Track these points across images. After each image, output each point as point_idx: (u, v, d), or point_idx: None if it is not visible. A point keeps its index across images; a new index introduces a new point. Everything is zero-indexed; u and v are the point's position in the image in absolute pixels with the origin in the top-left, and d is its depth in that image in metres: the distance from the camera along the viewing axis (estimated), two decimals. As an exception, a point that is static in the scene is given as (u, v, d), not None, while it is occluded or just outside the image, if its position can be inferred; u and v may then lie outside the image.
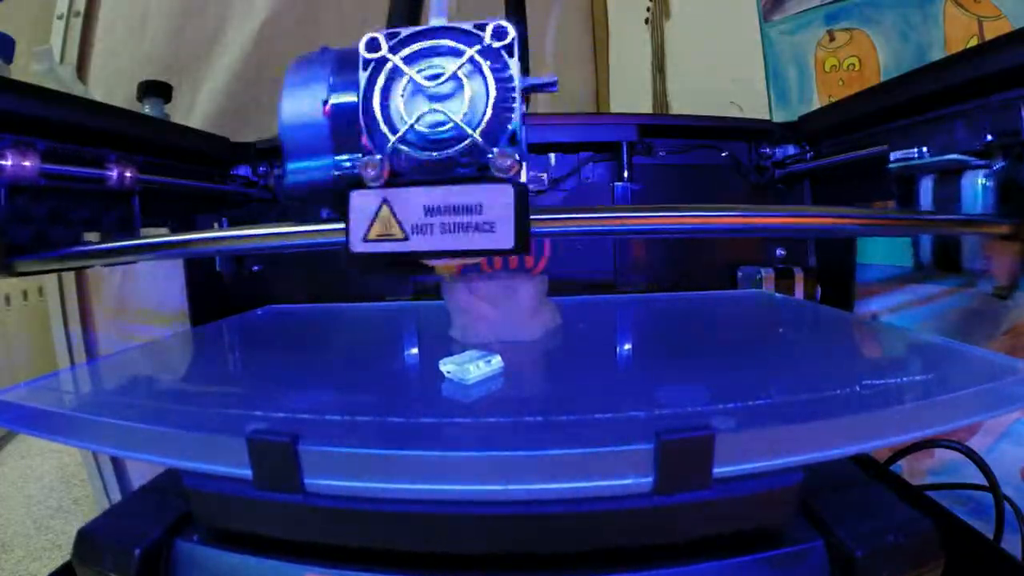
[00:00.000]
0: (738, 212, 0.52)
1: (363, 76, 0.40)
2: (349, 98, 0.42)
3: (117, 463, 1.18)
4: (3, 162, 0.56)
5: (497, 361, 0.49)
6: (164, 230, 0.84)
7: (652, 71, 1.42)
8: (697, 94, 1.38)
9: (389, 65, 0.39)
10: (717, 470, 0.34)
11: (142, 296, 1.17)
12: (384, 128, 0.39)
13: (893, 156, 0.71)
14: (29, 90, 0.62)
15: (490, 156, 0.39)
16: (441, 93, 0.39)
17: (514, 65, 0.39)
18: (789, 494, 0.36)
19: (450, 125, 0.39)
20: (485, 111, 0.38)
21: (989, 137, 0.59)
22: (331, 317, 0.83)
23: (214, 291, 0.99)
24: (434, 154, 0.39)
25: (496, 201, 0.39)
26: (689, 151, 1.01)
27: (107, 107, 0.74)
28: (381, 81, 0.39)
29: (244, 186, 0.99)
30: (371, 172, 0.39)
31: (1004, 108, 0.58)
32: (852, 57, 1.14)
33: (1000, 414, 0.41)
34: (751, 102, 1.28)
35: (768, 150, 1.00)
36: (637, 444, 0.34)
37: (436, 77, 0.39)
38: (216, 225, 0.96)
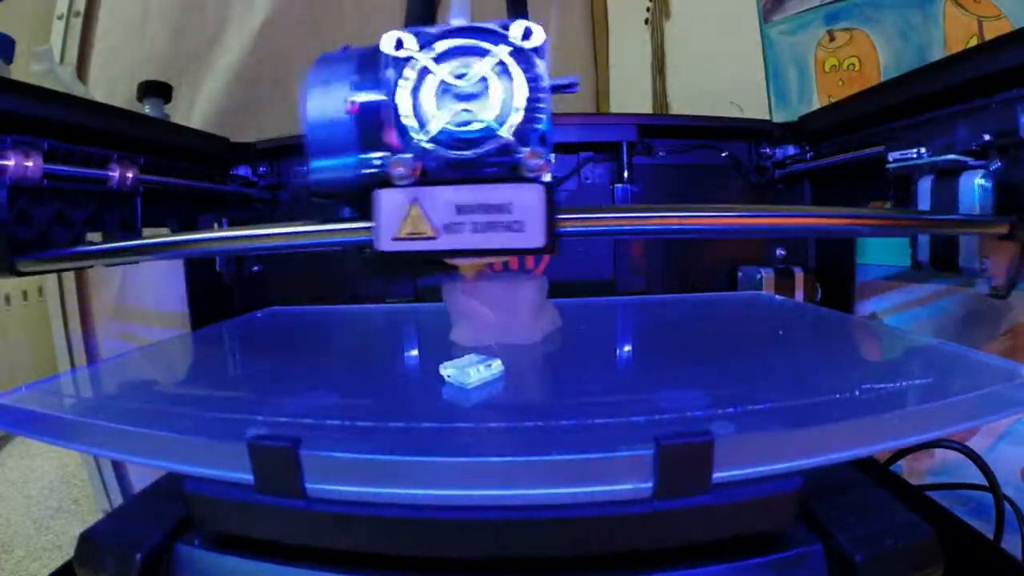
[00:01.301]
0: (739, 212, 0.52)
1: (390, 75, 0.40)
2: (375, 96, 0.42)
3: (117, 464, 1.18)
4: (6, 162, 0.56)
5: (497, 365, 0.49)
6: (164, 230, 0.84)
7: (652, 71, 1.42)
8: (697, 94, 1.38)
9: (419, 64, 0.40)
10: (717, 475, 0.34)
11: (142, 296, 1.17)
12: (413, 127, 0.40)
13: (891, 156, 0.71)
14: (30, 90, 0.62)
15: (520, 156, 0.39)
16: (469, 92, 0.39)
17: (542, 66, 0.40)
18: (788, 498, 0.36)
19: (480, 125, 0.39)
20: (515, 111, 0.39)
21: (986, 137, 0.59)
22: (332, 319, 0.83)
23: (214, 291, 0.99)
24: (467, 153, 0.40)
25: (526, 200, 0.40)
26: (689, 151, 1.01)
27: (108, 107, 0.74)
28: (411, 80, 0.40)
29: (244, 186, 0.99)
30: (400, 171, 0.40)
31: (1001, 108, 0.58)
32: (852, 57, 1.14)
33: (999, 419, 0.41)
34: (751, 102, 1.28)
35: (768, 150, 1.00)
36: (637, 449, 0.34)
37: (462, 76, 0.39)
38: (216, 225, 0.96)
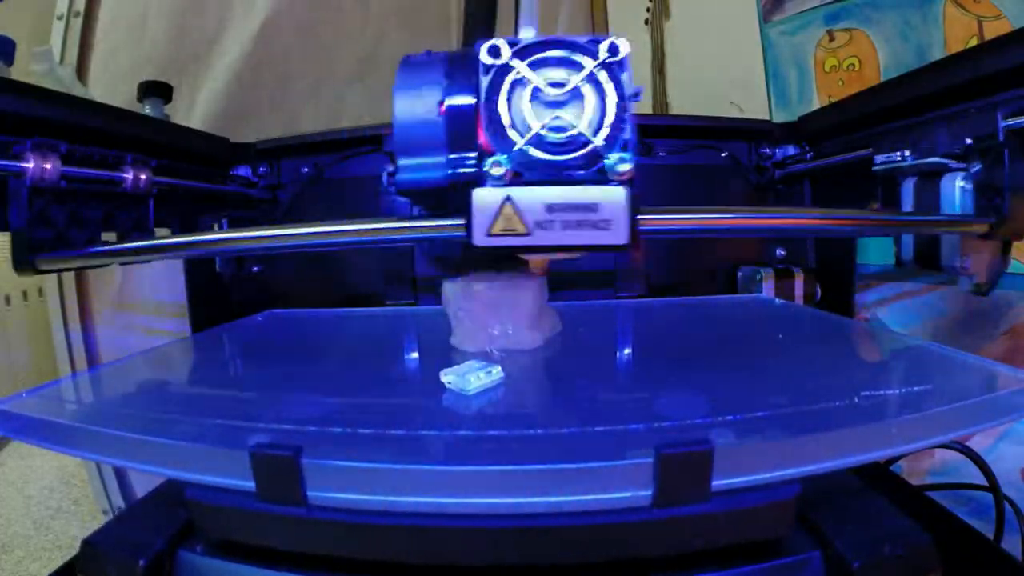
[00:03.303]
0: (743, 213, 0.56)
1: (484, 80, 0.43)
2: (465, 100, 0.45)
3: (117, 465, 1.18)
4: (26, 164, 0.58)
5: (497, 371, 0.49)
6: (165, 231, 0.84)
7: (652, 71, 1.42)
8: (697, 95, 1.38)
9: (514, 72, 0.42)
10: (716, 483, 0.34)
11: (142, 297, 1.17)
12: (510, 131, 0.43)
13: (877, 159, 0.73)
14: (46, 94, 0.63)
15: (608, 161, 0.42)
16: (559, 100, 0.42)
17: (627, 79, 0.43)
18: (787, 506, 0.36)
19: (574, 131, 0.42)
20: (604, 120, 0.42)
21: (968, 140, 0.61)
22: (332, 323, 0.84)
23: (214, 292, 0.99)
24: (561, 157, 0.43)
25: (612, 202, 0.42)
26: (689, 151, 1.01)
27: (116, 109, 0.75)
28: (507, 86, 0.42)
29: (244, 186, 0.99)
30: (497, 172, 0.42)
31: (981, 112, 0.60)
32: (852, 57, 1.14)
33: (998, 424, 0.41)
34: (751, 102, 1.28)
35: (768, 150, 1.00)
36: (636, 458, 0.34)
37: (558, 85, 0.42)
38: (216, 226, 0.96)
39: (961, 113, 0.62)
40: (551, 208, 0.43)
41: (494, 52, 0.42)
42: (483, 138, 0.43)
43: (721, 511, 0.35)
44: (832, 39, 1.17)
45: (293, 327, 0.83)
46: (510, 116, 0.43)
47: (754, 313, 0.87)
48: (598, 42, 0.42)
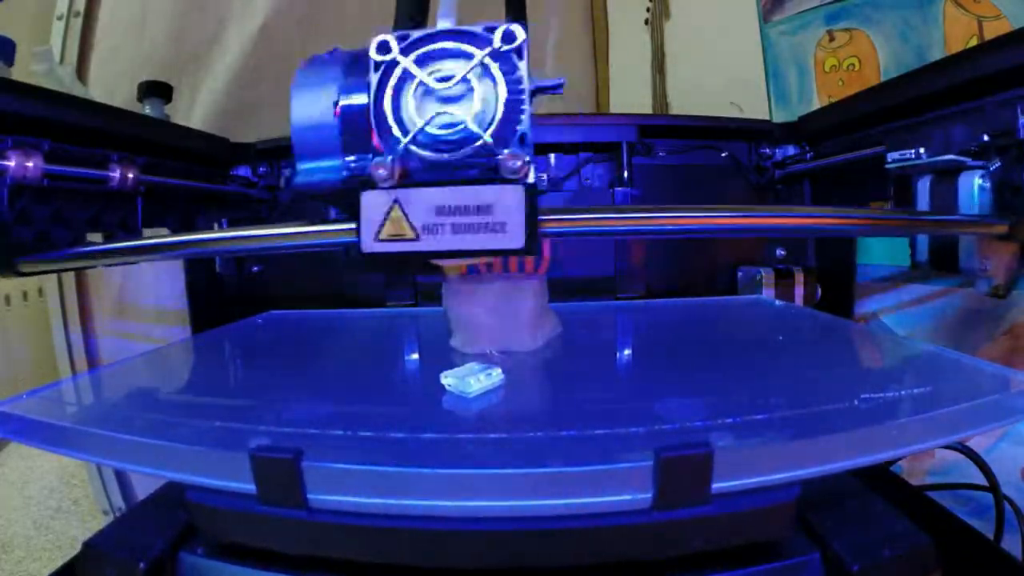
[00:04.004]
0: (738, 212, 0.52)
1: (373, 78, 0.41)
2: (360, 99, 0.42)
3: (118, 464, 1.18)
4: (7, 163, 0.57)
5: (498, 374, 0.49)
6: (164, 231, 0.84)
7: (652, 71, 1.42)
8: (697, 94, 1.38)
9: (400, 68, 0.40)
10: (716, 486, 0.34)
11: (142, 297, 1.17)
12: (395, 130, 0.40)
13: (890, 156, 0.71)
14: (30, 91, 0.62)
15: (500, 157, 0.40)
16: (451, 95, 0.40)
17: (523, 68, 0.40)
18: (787, 508, 0.36)
19: (461, 127, 0.40)
20: (495, 113, 0.40)
21: (985, 137, 0.59)
22: (331, 325, 0.83)
23: (214, 292, 0.99)
24: (446, 155, 0.40)
25: (506, 202, 0.40)
26: (689, 151, 1.01)
27: (108, 107, 0.75)
28: (392, 83, 0.40)
29: (244, 186, 1.00)
30: (382, 173, 0.40)
31: (1000, 108, 0.58)
32: (852, 57, 1.14)
33: (997, 427, 0.41)
34: (751, 102, 1.28)
35: (768, 150, 1.01)
36: (636, 461, 0.34)
37: (446, 79, 0.40)
38: (216, 226, 0.96)
39: (978, 109, 0.61)
40: (441, 210, 0.41)
41: (383, 48, 0.40)
42: (375, 138, 0.41)
43: (721, 514, 0.35)
44: (832, 39, 1.17)
45: (293, 328, 0.83)
46: (395, 114, 0.41)
47: (754, 314, 0.87)
48: (493, 29, 0.40)
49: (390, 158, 0.40)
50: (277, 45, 1.22)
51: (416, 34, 0.40)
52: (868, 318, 1.06)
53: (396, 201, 0.41)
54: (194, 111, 1.19)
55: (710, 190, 1.03)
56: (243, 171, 1.01)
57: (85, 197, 0.68)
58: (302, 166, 0.45)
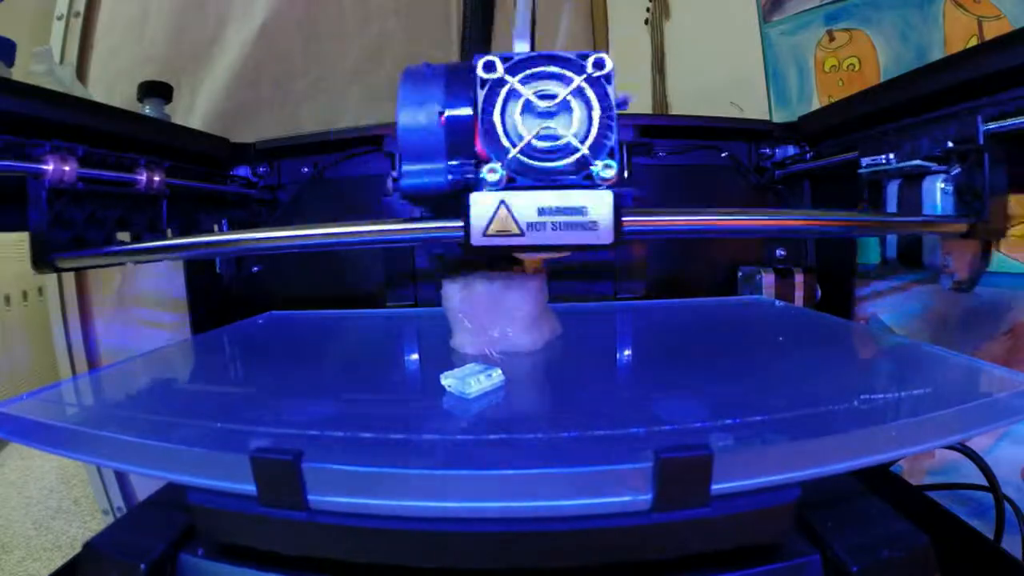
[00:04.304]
0: (759, 215, 0.57)
1: (480, 93, 0.45)
2: (464, 111, 0.48)
3: (118, 464, 1.18)
4: (45, 167, 0.60)
5: (497, 375, 0.49)
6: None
7: (652, 71, 1.42)
8: (697, 94, 1.38)
9: (508, 86, 0.45)
10: (715, 487, 0.34)
11: (142, 296, 1.17)
12: (504, 140, 0.45)
13: (864, 161, 0.76)
14: (47, 94, 0.64)
15: (593, 168, 0.45)
16: (549, 111, 0.45)
17: (612, 92, 0.45)
18: (786, 510, 0.36)
19: (563, 140, 0.45)
20: (590, 130, 0.45)
21: (948, 144, 0.63)
22: (331, 325, 0.84)
23: (214, 292, 0.99)
24: (550, 164, 0.46)
25: (598, 205, 0.45)
26: (689, 151, 1.01)
27: (120, 111, 0.76)
28: (501, 98, 0.45)
29: (244, 187, 1.00)
30: (492, 177, 0.45)
31: (961, 117, 0.62)
32: (852, 57, 1.14)
33: (997, 427, 0.41)
34: (751, 102, 1.28)
35: (768, 150, 1.00)
36: (636, 463, 0.34)
37: (548, 97, 0.45)
38: (216, 227, 0.96)
39: (944, 117, 0.64)
40: (542, 211, 0.46)
41: (489, 67, 0.45)
42: (479, 146, 0.46)
43: (720, 515, 0.35)
44: (832, 39, 1.16)
45: (293, 329, 0.83)
46: (503, 126, 0.45)
47: (754, 315, 0.87)
48: (586, 57, 0.45)
49: (500, 164, 0.45)
50: (277, 45, 1.22)
51: (519, 56, 0.45)
52: (868, 316, 1.06)
53: (503, 202, 0.46)
54: (194, 111, 1.19)
55: (710, 190, 1.03)
56: (243, 171, 1.01)
57: (115, 199, 0.70)
58: (409, 167, 0.50)
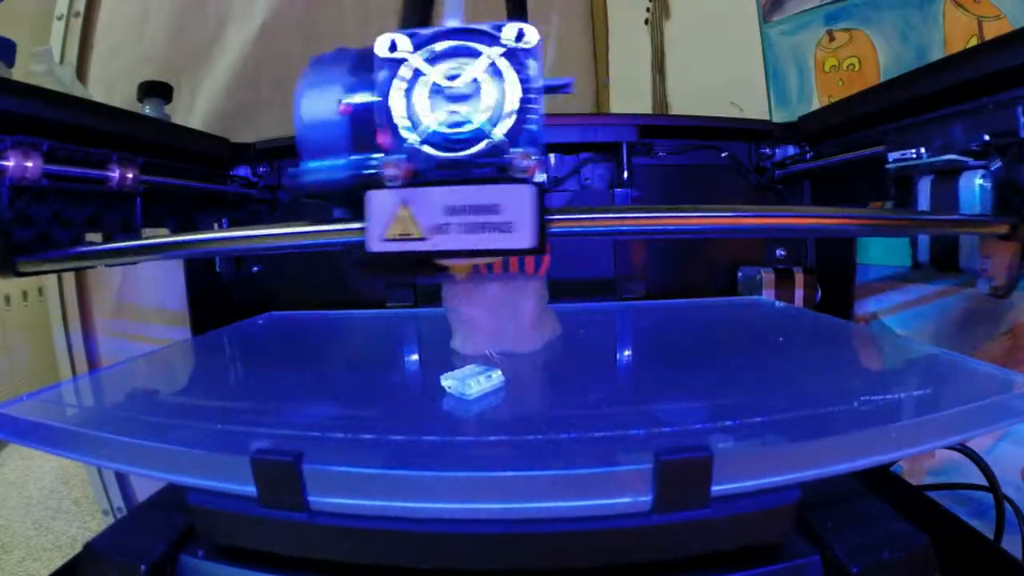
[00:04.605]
0: (741, 213, 0.52)
1: (381, 75, 0.40)
2: (367, 98, 0.42)
3: (118, 464, 1.18)
4: (6, 163, 0.57)
5: (498, 376, 0.49)
6: (164, 231, 0.84)
7: (652, 71, 1.42)
8: (697, 94, 1.38)
9: (412, 66, 0.40)
10: (715, 488, 0.34)
11: (142, 297, 1.17)
12: (403, 128, 0.40)
13: (891, 156, 0.71)
14: (29, 91, 0.62)
15: (510, 157, 0.39)
16: (460, 94, 0.40)
17: (534, 67, 0.40)
18: (786, 511, 0.36)
19: (471, 126, 0.39)
20: (506, 113, 0.40)
21: (986, 137, 0.59)
22: (332, 326, 0.84)
23: (214, 292, 0.99)
24: (457, 154, 0.40)
25: (515, 201, 0.40)
26: (689, 151, 1.01)
27: (108, 108, 0.75)
28: (404, 81, 0.40)
29: (244, 187, 1.00)
30: (391, 172, 0.40)
31: (1000, 108, 0.58)
32: (852, 57, 1.14)
33: (996, 429, 0.41)
34: (751, 102, 1.28)
35: (768, 150, 1.01)
36: (636, 464, 0.34)
37: (455, 77, 0.40)
38: (216, 226, 0.96)
39: (979, 109, 0.61)
40: (450, 210, 0.40)
41: (391, 46, 0.40)
42: (381, 137, 0.41)
43: (721, 516, 0.35)
44: (832, 39, 1.16)
45: (293, 330, 0.83)
46: (406, 112, 0.40)
47: (754, 316, 0.87)
48: (501, 28, 0.40)
49: (399, 157, 0.40)
50: (277, 45, 1.22)
51: (426, 32, 0.40)
52: (868, 318, 1.06)
53: (404, 200, 0.41)
54: (194, 111, 1.19)
55: (710, 190, 1.03)
56: (243, 171, 1.01)
57: (84, 197, 0.68)
58: (308, 165, 0.44)
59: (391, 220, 0.41)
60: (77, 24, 1.14)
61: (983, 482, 0.70)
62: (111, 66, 1.16)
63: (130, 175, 0.71)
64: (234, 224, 0.98)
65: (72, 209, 0.65)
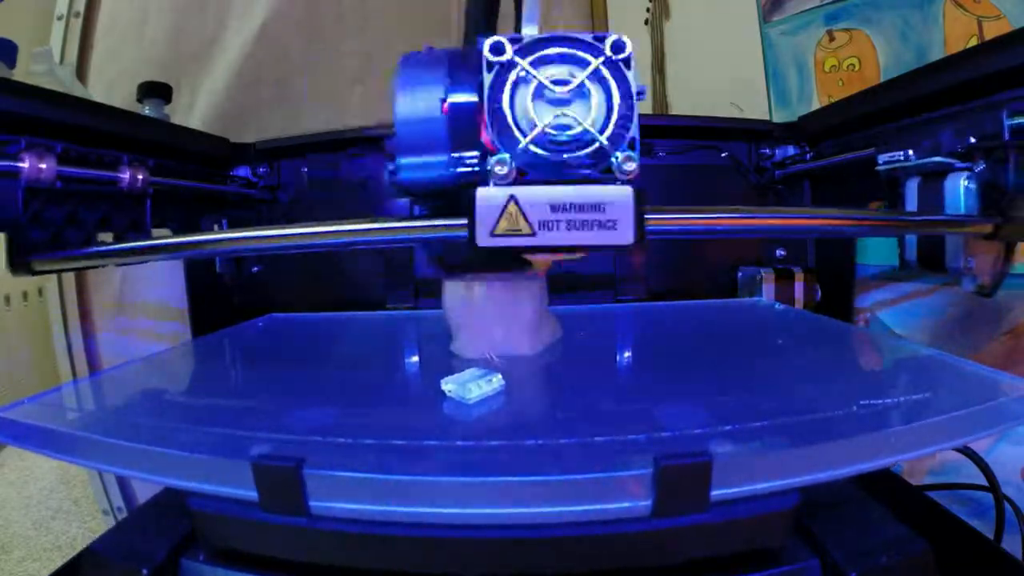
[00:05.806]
0: (763, 214, 0.54)
1: (487, 77, 0.42)
2: (468, 98, 0.44)
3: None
4: (21, 165, 0.57)
5: (498, 380, 0.49)
6: (166, 231, 0.84)
7: (652, 71, 1.41)
8: (697, 94, 1.38)
9: (517, 69, 0.41)
10: (715, 493, 0.35)
11: (142, 298, 1.17)
12: (515, 129, 0.42)
13: (881, 159, 0.72)
14: (36, 92, 0.63)
15: (614, 160, 0.42)
16: (563, 98, 0.41)
17: (632, 77, 0.42)
18: (786, 516, 0.36)
19: (579, 129, 0.41)
20: (610, 118, 0.42)
21: (972, 139, 0.60)
22: (332, 328, 0.84)
23: (214, 292, 0.99)
24: (565, 155, 0.42)
25: (618, 201, 0.42)
26: (689, 151, 1.01)
27: (113, 109, 0.75)
28: (510, 83, 0.42)
29: (244, 187, 1.00)
30: (501, 170, 0.41)
31: (986, 111, 0.59)
32: (852, 57, 1.14)
33: (996, 432, 0.42)
34: (751, 102, 1.27)
35: (768, 150, 1.01)
36: (636, 469, 0.34)
37: (562, 83, 0.41)
38: (216, 226, 0.96)
39: (965, 112, 0.62)
40: (556, 207, 0.42)
41: (497, 49, 0.41)
42: (486, 136, 0.42)
43: (720, 521, 0.35)
44: (832, 39, 1.16)
45: (293, 332, 0.83)
46: (513, 114, 0.42)
47: (754, 318, 0.87)
48: (603, 39, 0.41)
49: (509, 155, 0.41)
50: (277, 45, 1.21)
51: (530, 37, 0.42)
52: (868, 317, 1.06)
53: (513, 198, 0.42)
54: (194, 111, 1.18)
55: (710, 190, 1.03)
56: (243, 171, 1.01)
57: (96, 198, 0.68)
58: (406, 160, 0.46)
59: (500, 216, 0.42)
60: (77, 24, 1.14)
61: (983, 482, 0.70)
62: (111, 66, 1.16)
63: (140, 176, 0.72)
64: (233, 224, 0.98)
65: (84, 210, 0.67)
